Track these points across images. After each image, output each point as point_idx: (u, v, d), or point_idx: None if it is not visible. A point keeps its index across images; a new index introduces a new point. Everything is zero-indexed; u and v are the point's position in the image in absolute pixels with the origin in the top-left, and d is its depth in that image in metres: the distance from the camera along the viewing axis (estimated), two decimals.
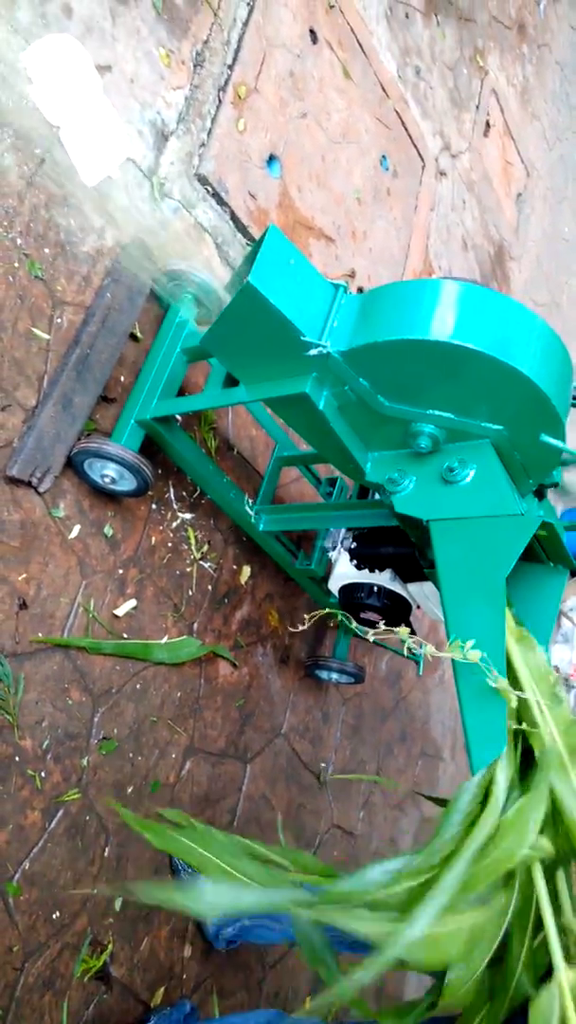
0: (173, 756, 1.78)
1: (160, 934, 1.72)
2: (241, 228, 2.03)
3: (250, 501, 1.83)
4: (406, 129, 2.99)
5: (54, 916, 1.49)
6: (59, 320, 1.54)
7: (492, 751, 1.29)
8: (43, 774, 1.48)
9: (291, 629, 2.20)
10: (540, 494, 1.63)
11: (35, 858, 1.46)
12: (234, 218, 2.01)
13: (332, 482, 2.13)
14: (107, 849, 1.60)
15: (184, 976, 1.77)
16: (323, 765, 2.34)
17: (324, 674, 2.26)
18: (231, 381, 1.56)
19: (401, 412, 1.40)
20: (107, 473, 1.53)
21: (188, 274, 1.70)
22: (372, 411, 1.41)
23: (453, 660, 1.40)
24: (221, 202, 1.98)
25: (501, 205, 3.96)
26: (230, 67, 2.08)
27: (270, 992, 2.02)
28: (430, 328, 1.25)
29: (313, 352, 1.32)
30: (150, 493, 1.75)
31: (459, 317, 1.26)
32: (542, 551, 1.61)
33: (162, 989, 1.71)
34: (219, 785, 1.92)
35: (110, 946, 1.60)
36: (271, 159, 2.21)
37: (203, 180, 1.94)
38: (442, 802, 2.43)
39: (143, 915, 1.68)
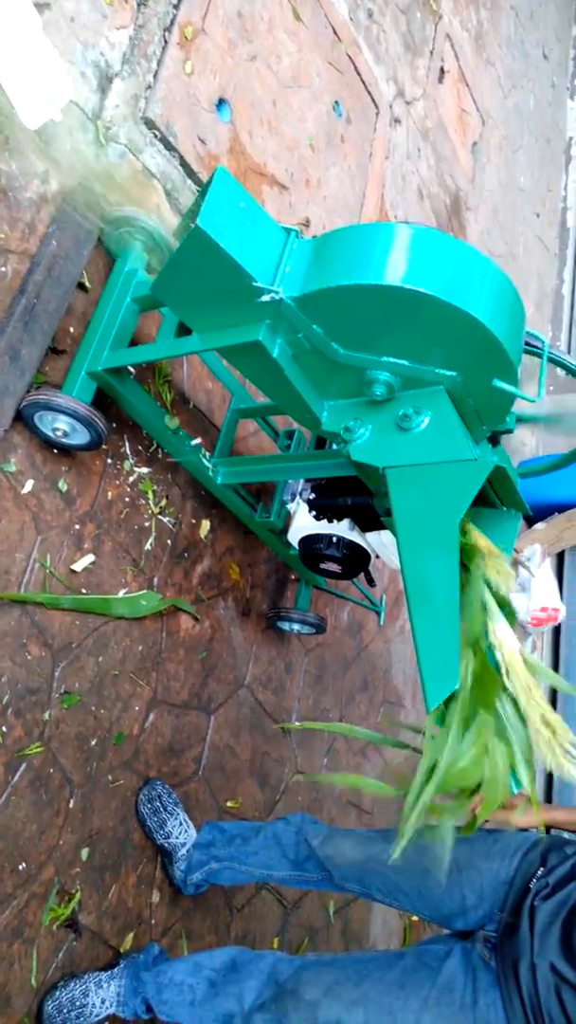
0: (136, 708, 1.79)
1: (128, 881, 1.75)
2: (191, 174, 1.98)
3: (207, 454, 1.82)
4: (359, 74, 2.93)
5: (20, 867, 1.50)
6: (3, 269, 1.50)
7: (446, 688, 1.32)
8: (4, 729, 1.48)
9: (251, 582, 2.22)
10: (494, 440, 1.65)
11: None
12: (183, 163, 1.96)
13: (290, 434, 2.13)
14: (72, 801, 1.61)
15: (153, 921, 1.81)
16: (288, 714, 2.38)
17: (286, 625, 2.28)
18: (184, 331, 1.53)
19: (356, 359, 1.40)
20: (59, 426, 1.51)
21: (137, 221, 1.65)
22: (327, 359, 1.40)
23: (408, 599, 1.42)
24: (169, 147, 1.93)
25: (457, 154, 3.93)
26: (175, 6, 2.01)
27: (238, 934, 2.08)
28: (383, 272, 1.24)
29: (265, 298, 1.31)
30: (105, 447, 1.73)
31: (412, 261, 1.25)
32: (495, 496, 1.63)
33: (131, 935, 1.74)
34: (183, 736, 1.94)
35: (77, 894, 1.62)
36: (220, 103, 2.15)
37: (150, 124, 1.89)
38: (403, 745, 2.51)
39: (110, 863, 1.70)
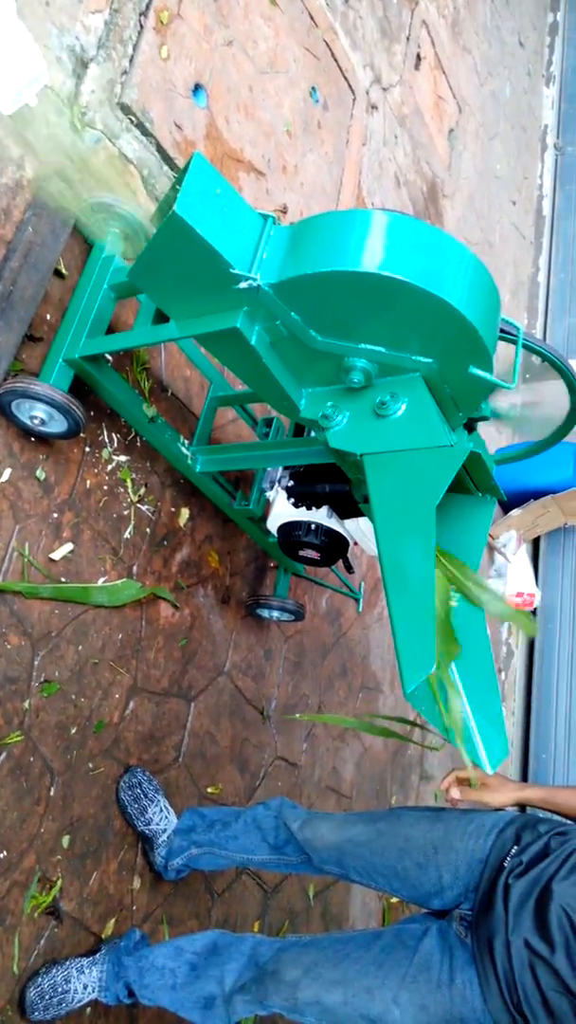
0: (116, 696, 1.79)
1: (109, 868, 1.76)
2: (167, 160, 1.97)
3: (186, 442, 1.82)
4: (336, 60, 2.92)
5: (1, 855, 1.51)
6: None
7: (422, 671, 1.34)
8: None
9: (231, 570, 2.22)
10: (470, 427, 1.66)
11: None
12: (160, 149, 1.95)
13: (268, 422, 2.13)
14: (52, 789, 1.62)
15: (134, 907, 1.82)
16: (266, 702, 2.39)
17: (265, 612, 2.29)
18: (161, 318, 1.53)
19: (333, 347, 1.41)
20: (36, 414, 1.50)
21: (113, 207, 1.64)
22: (304, 346, 1.41)
23: (386, 584, 1.44)
24: (146, 132, 1.91)
25: (433, 141, 3.93)
26: None
27: (219, 918, 2.10)
28: (360, 259, 1.25)
29: (243, 285, 1.31)
30: (83, 435, 1.72)
31: (388, 248, 1.26)
32: (471, 482, 1.65)
33: (112, 920, 1.75)
34: (163, 723, 1.94)
35: (59, 882, 1.62)
36: (197, 88, 2.14)
37: (126, 109, 1.87)
38: (379, 731, 2.54)
39: (91, 850, 1.71)
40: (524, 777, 4.64)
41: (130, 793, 1.80)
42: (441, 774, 3.71)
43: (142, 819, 1.80)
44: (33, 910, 1.57)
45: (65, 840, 1.64)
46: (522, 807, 1.64)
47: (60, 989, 1.59)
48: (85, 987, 1.60)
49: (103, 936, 1.73)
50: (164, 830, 1.82)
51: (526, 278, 5.62)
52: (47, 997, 1.57)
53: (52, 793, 1.62)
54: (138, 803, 1.80)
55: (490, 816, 1.62)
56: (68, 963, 1.62)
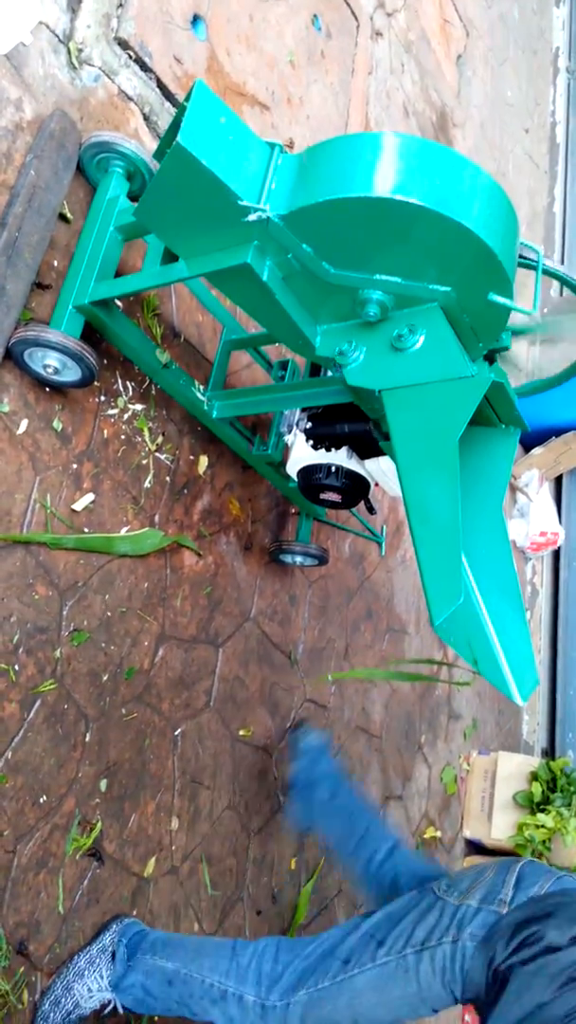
0: (145, 644, 1.81)
1: (147, 809, 1.79)
2: (168, 95, 1.91)
3: (201, 388, 1.80)
4: None
5: (41, 800, 1.54)
6: None
7: (449, 604, 1.33)
8: (16, 667, 1.50)
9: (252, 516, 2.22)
10: (490, 359, 1.63)
11: (17, 747, 1.50)
12: (160, 85, 1.89)
13: (284, 365, 2.10)
14: (88, 735, 1.64)
15: (173, 847, 1.86)
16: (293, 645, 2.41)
17: (288, 558, 2.29)
18: (170, 259, 1.50)
19: (347, 279, 1.37)
20: (49, 363, 1.48)
21: (116, 146, 1.60)
22: (318, 280, 1.38)
23: (410, 520, 1.42)
24: (145, 68, 1.85)
25: (441, 68, 3.78)
26: None
27: (257, 856, 2.15)
28: (372, 184, 1.21)
29: (252, 217, 1.27)
30: (97, 384, 1.70)
31: (401, 172, 1.22)
32: (494, 413, 1.62)
33: (152, 860, 1.80)
34: (193, 669, 1.96)
35: (99, 824, 1.66)
36: (195, 19, 2.06)
37: (124, 44, 1.81)
38: (408, 677, 2.55)
39: (129, 793, 1.75)
40: (552, 714, 4.67)
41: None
42: (469, 713, 3.74)
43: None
44: (75, 852, 1.61)
45: (103, 784, 1.68)
46: None
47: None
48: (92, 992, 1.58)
49: (144, 875, 1.77)
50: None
51: (541, 209, 5.45)
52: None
53: (88, 738, 1.65)
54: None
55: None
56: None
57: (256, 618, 2.24)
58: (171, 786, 1.87)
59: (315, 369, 1.89)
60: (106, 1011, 1.60)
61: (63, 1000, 1.55)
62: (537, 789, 3.41)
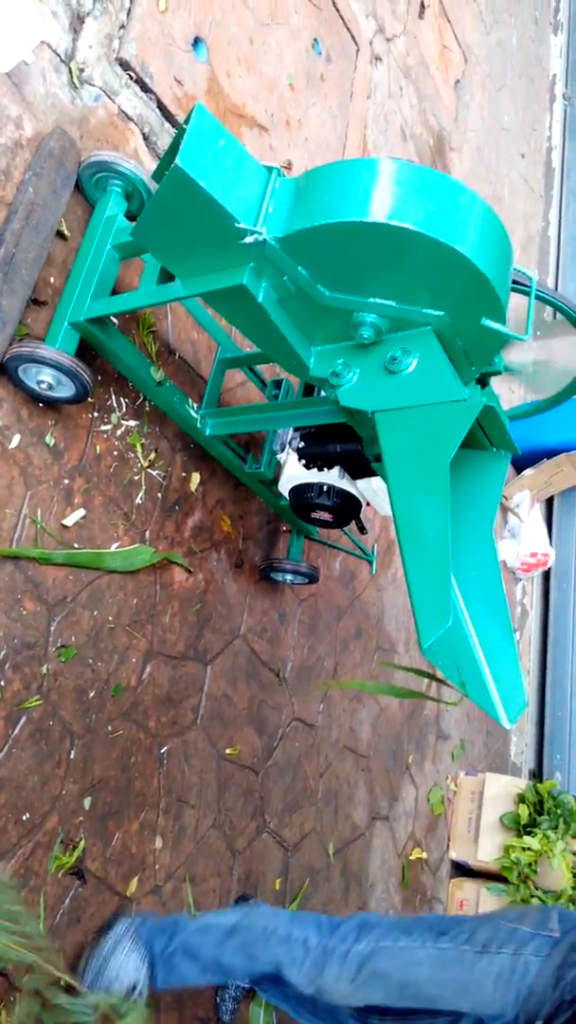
0: (133, 660, 1.80)
1: (131, 828, 1.78)
2: (168, 116, 1.93)
3: (195, 406, 1.81)
4: (337, 10, 2.84)
5: (24, 817, 1.53)
6: None
7: (438, 626, 1.34)
8: (2, 683, 1.49)
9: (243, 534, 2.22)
10: (483, 383, 1.64)
11: (0, 764, 1.49)
12: (160, 106, 1.91)
13: (277, 384, 2.11)
14: (73, 752, 1.63)
15: (156, 866, 1.85)
16: (281, 664, 2.40)
17: (279, 576, 2.29)
18: (166, 278, 1.51)
19: (342, 302, 1.38)
20: (43, 379, 1.49)
21: (115, 165, 1.61)
22: (313, 302, 1.39)
23: (400, 541, 1.43)
24: (145, 88, 1.87)
25: (439, 92, 3.83)
26: None
27: (241, 876, 2.13)
28: (367, 209, 1.22)
29: (249, 240, 1.28)
30: (91, 400, 1.71)
31: (396, 197, 1.23)
32: (485, 437, 1.63)
33: (136, 879, 1.78)
34: (181, 686, 1.96)
35: (82, 843, 1.65)
36: (196, 42, 2.08)
37: (125, 65, 1.83)
38: (398, 692, 2.55)
39: (113, 811, 1.73)
40: (541, 735, 4.67)
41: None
42: (457, 733, 3.74)
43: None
44: (57, 870, 1.59)
45: (87, 802, 1.66)
46: None
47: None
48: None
49: (127, 894, 1.75)
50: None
51: (536, 233, 5.51)
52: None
53: (72, 756, 1.63)
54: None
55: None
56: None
57: (245, 635, 2.23)
58: (156, 804, 1.85)
59: (309, 389, 1.90)
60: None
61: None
62: (524, 811, 3.40)
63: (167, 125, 1.93)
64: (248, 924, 1.67)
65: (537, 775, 4.60)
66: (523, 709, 1.54)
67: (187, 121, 1.21)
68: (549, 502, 5.03)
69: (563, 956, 1.44)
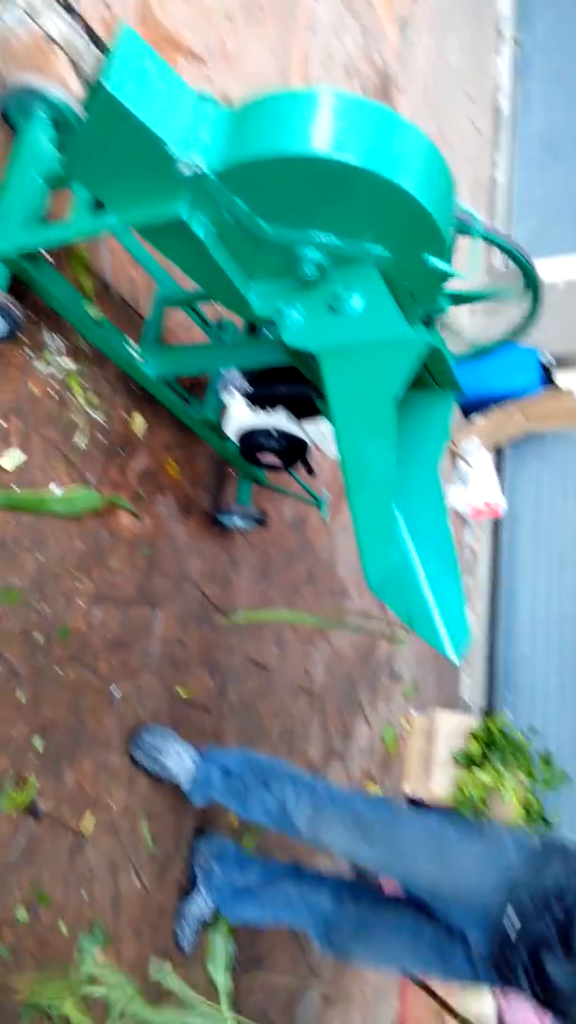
0: (81, 604, 1.80)
1: (84, 767, 1.80)
2: (96, 41, 1.85)
3: (136, 346, 1.78)
4: None
5: None
6: None
7: (384, 563, 1.36)
8: None
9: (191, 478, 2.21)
10: (428, 324, 1.64)
11: None
12: (89, 31, 1.83)
13: (221, 326, 2.08)
14: (20, 693, 1.63)
15: (112, 804, 1.87)
16: (234, 607, 2.42)
17: (228, 520, 2.29)
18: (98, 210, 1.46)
19: (284, 236, 1.36)
20: None
21: (39, 89, 1.55)
22: (253, 237, 1.36)
23: (347, 481, 1.44)
24: (71, 11, 1.79)
25: (384, 30, 3.74)
26: None
27: (197, 812, 2.17)
28: (308, 143, 1.19)
29: (185, 171, 1.25)
30: (26, 340, 1.67)
31: (338, 130, 1.21)
32: (431, 377, 1.63)
33: (91, 817, 1.81)
34: (131, 630, 1.96)
35: (31, 779, 1.66)
36: None
37: None
38: (349, 626, 2.60)
39: (65, 752, 1.75)
40: (491, 675, 4.80)
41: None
42: (410, 674, 3.83)
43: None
44: (11, 809, 1.60)
45: (38, 742, 1.67)
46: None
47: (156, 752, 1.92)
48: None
49: (81, 831, 1.78)
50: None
51: (485, 178, 5.47)
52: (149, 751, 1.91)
53: (22, 699, 1.63)
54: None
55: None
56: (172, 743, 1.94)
57: (196, 580, 2.24)
58: (109, 744, 1.87)
59: (253, 329, 1.88)
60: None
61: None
62: (475, 747, 3.51)
63: (95, 50, 1.85)
64: (271, 763, 1.99)
65: (488, 713, 4.75)
66: (467, 641, 1.58)
67: (114, 40, 1.16)
68: (499, 451, 5.10)
69: (541, 846, 1.64)
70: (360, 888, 1.99)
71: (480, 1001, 3.24)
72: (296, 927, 2.07)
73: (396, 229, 1.33)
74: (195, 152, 1.24)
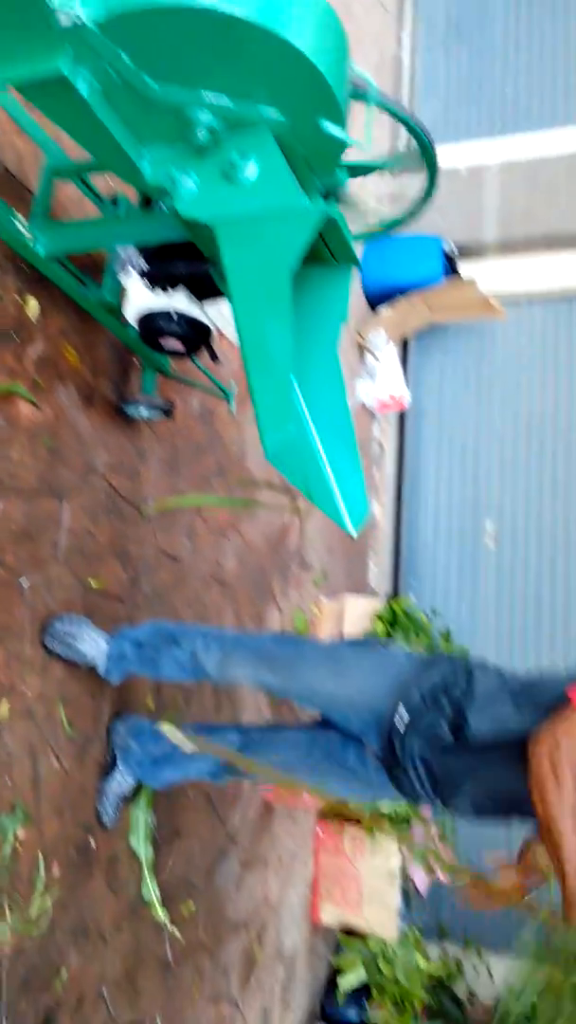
0: None
1: None
2: None
3: (24, 221, 1.69)
4: None
5: None
6: None
7: (281, 435, 1.39)
8: None
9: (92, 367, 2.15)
10: (326, 197, 1.62)
11: None
12: None
13: (115, 202, 1.99)
14: None
15: (27, 691, 1.90)
16: (144, 498, 2.42)
17: (132, 410, 2.26)
18: None
19: (172, 95, 1.30)
20: None
21: None
22: (141, 96, 1.30)
23: (244, 356, 1.44)
24: None
25: None
26: None
27: (113, 695, 2.22)
28: None
29: (64, 21, 1.17)
30: None
31: None
32: (328, 251, 1.62)
33: (6, 703, 1.83)
34: (37, 522, 1.94)
35: None
36: None
37: None
38: (240, 502, 2.64)
39: None
40: (397, 562, 5.00)
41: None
42: (319, 563, 3.95)
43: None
44: None
45: None
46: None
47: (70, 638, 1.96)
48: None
49: None
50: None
51: (390, 57, 5.29)
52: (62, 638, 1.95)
53: None
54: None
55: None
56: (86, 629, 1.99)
57: (103, 472, 2.22)
58: (21, 634, 1.88)
59: (148, 203, 1.82)
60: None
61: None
62: (380, 627, 3.71)
63: None
64: (181, 628, 2.09)
65: (393, 597, 4.98)
66: (365, 514, 1.64)
67: None
68: (405, 344, 5.14)
69: (430, 656, 1.83)
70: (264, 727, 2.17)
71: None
72: (210, 769, 2.17)
73: (290, 91, 1.30)
74: (75, 1, 1.16)
